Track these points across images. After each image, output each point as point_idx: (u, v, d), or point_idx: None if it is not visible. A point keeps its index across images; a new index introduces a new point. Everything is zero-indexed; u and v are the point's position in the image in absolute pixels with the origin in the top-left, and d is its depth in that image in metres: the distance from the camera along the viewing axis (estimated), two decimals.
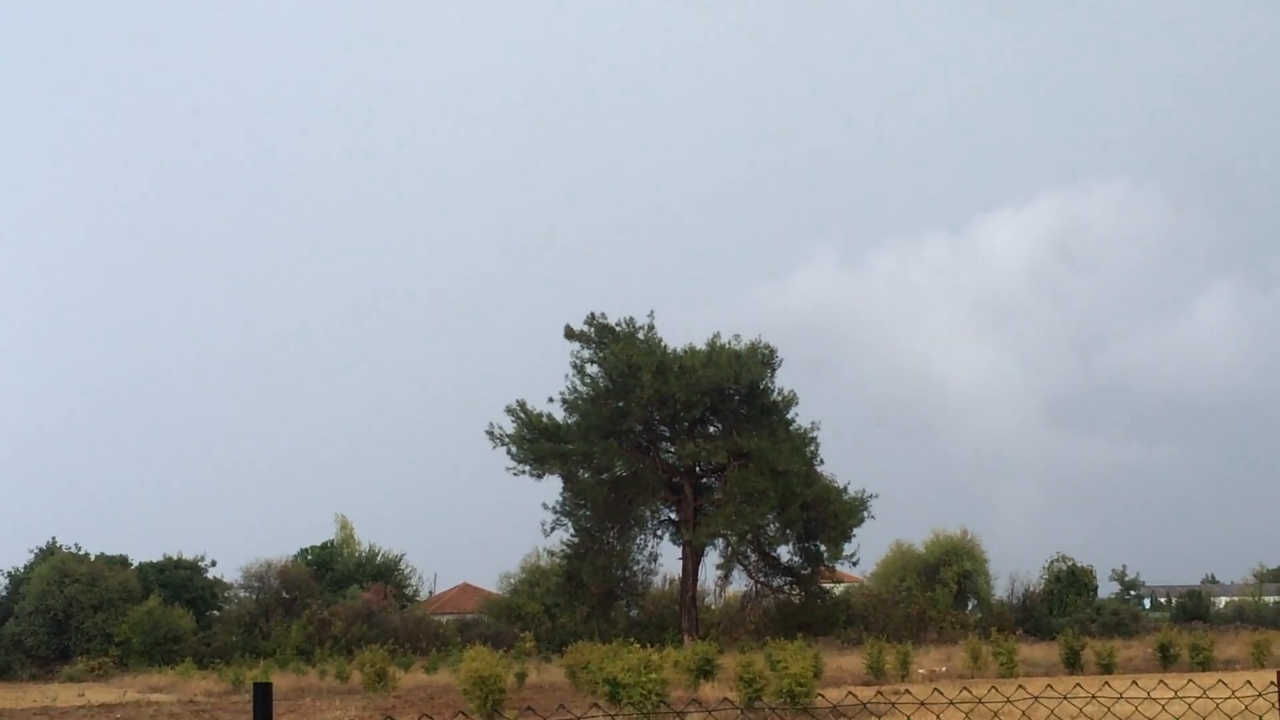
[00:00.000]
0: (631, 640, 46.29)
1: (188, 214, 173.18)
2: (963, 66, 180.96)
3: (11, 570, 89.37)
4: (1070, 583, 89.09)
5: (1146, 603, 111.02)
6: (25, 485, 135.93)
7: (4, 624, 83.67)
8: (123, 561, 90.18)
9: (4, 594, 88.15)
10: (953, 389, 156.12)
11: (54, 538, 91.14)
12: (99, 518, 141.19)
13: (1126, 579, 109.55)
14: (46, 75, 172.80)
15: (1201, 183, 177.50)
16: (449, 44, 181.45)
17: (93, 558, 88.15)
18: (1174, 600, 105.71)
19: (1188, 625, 76.88)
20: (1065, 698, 9.31)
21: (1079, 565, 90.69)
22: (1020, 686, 10.29)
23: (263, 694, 5.79)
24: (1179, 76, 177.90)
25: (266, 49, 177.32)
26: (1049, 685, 12.12)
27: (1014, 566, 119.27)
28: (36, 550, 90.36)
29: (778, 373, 75.89)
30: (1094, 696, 9.13)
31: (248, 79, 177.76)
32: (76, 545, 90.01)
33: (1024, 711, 10.33)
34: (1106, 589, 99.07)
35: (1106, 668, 46.82)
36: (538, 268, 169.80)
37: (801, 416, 76.31)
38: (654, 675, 31.84)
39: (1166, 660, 50.01)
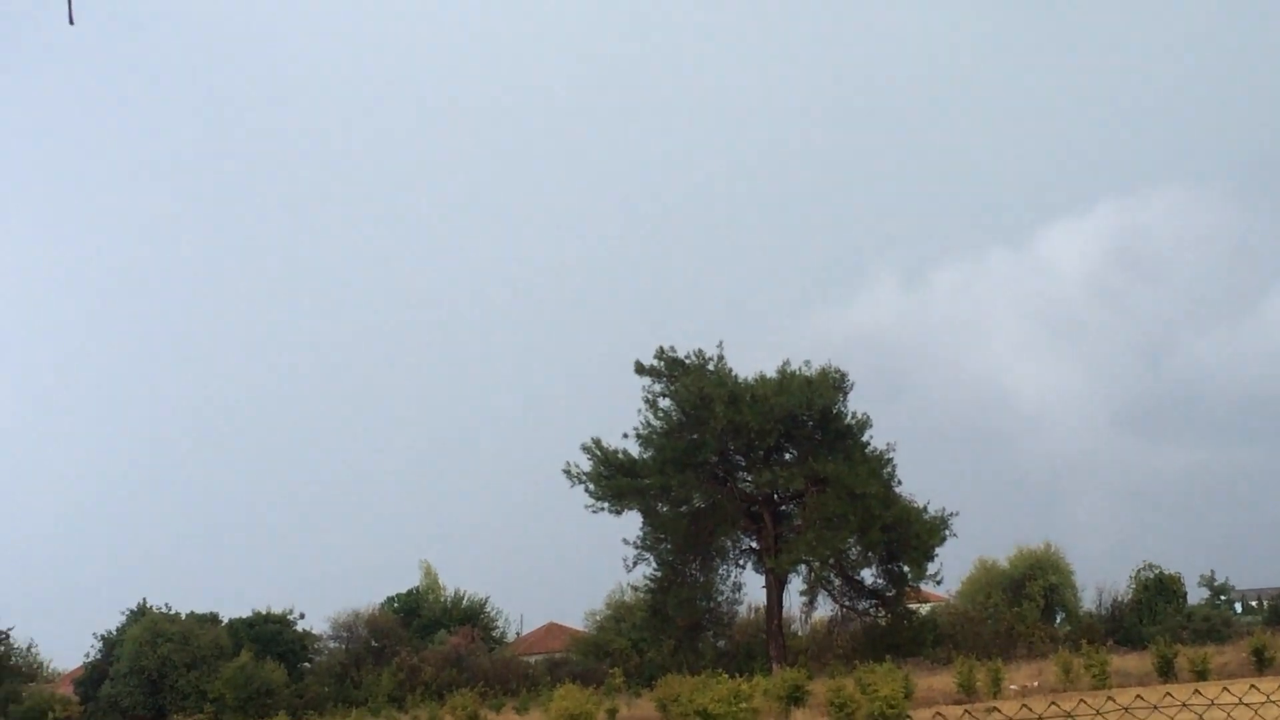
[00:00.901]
0: (720, 671, 46.45)
1: (286, 266, 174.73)
2: (1016, 76, 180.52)
3: (105, 634, 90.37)
4: (1159, 591, 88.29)
5: (1238, 607, 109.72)
6: (114, 547, 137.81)
7: (100, 687, 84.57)
8: (213, 619, 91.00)
9: (99, 657, 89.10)
10: (1022, 402, 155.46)
11: (144, 599, 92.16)
12: (188, 577, 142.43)
13: (1216, 584, 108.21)
14: (57, 76, 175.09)
15: (1264, 183, 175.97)
16: (510, 83, 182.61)
17: (183, 616, 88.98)
18: (1266, 603, 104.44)
19: None
20: (1156, 707, 9.46)
21: (1166, 573, 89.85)
22: (1110, 699, 10.43)
23: None
24: (1234, 76, 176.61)
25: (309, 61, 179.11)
26: (1139, 695, 12.21)
27: (1100, 577, 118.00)
28: (128, 612, 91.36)
29: (849, 396, 75.87)
30: (1185, 705, 9.28)
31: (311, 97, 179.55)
32: (167, 605, 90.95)
33: None
34: (1196, 595, 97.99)
35: (1200, 674, 46.49)
36: (605, 303, 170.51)
37: (876, 438, 76.26)
38: (744, 705, 32.00)
39: (1261, 664, 49.60)
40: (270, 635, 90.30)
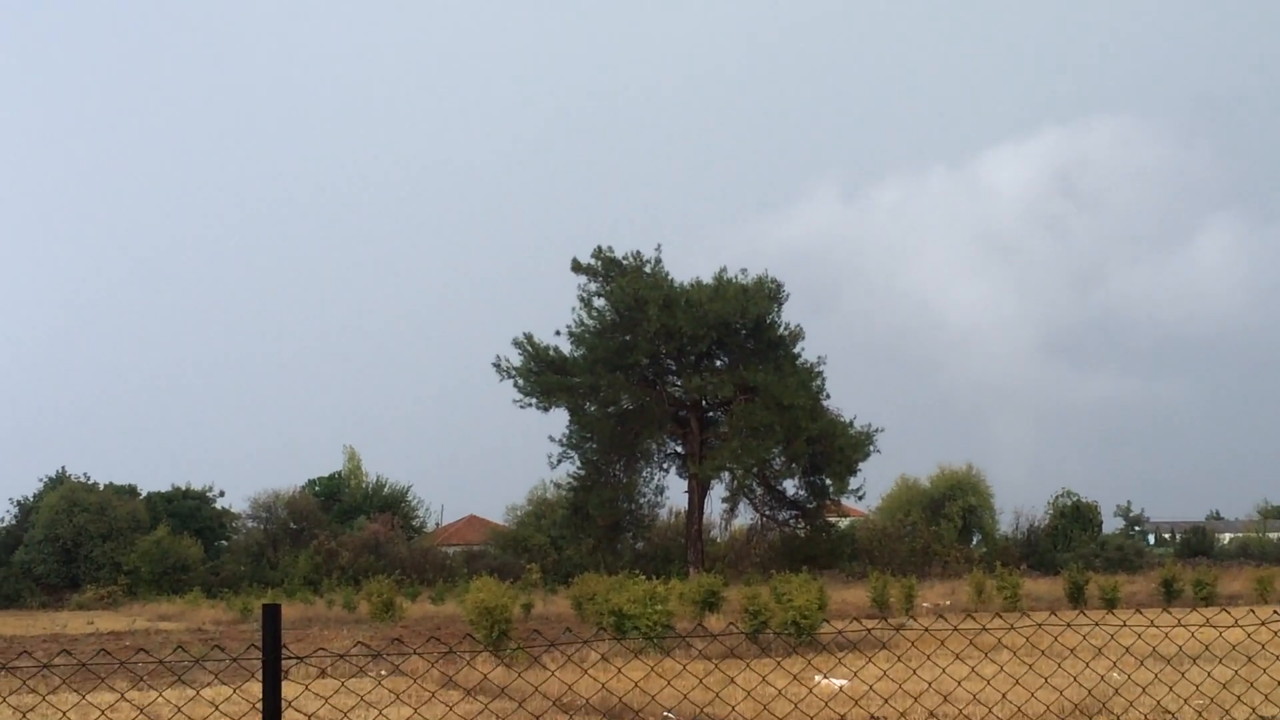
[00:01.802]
0: (637, 572, 46.48)
1: (199, 135, 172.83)
2: None
3: (21, 499, 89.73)
4: (1075, 518, 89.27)
5: (1151, 539, 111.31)
6: (34, 414, 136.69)
7: (14, 552, 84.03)
8: (131, 491, 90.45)
9: (14, 523, 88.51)
10: (953, 323, 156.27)
11: (63, 467, 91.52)
12: (107, 447, 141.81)
13: (1131, 515, 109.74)
14: (50, 74, 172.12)
15: (1205, 119, 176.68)
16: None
17: (101, 487, 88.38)
18: (1178, 536, 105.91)
19: (1192, 561, 77.15)
20: (1069, 625, 9.36)
21: (1084, 501, 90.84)
22: (1025, 615, 10.34)
23: (271, 616, 5.83)
24: (1183, 11, 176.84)
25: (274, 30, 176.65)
26: (1052, 613, 12.16)
27: (1019, 502, 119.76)
28: (46, 479, 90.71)
29: (783, 308, 75.94)
30: (1097, 624, 9.18)
31: (245, 48, 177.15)
32: (85, 475, 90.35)
33: (1028, 640, 10.40)
34: (1111, 525, 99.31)
35: (1110, 602, 46.96)
36: (543, 200, 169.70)
37: (807, 351, 76.51)
38: (660, 607, 31.96)
39: (1170, 595, 50.19)
40: (188, 511, 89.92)
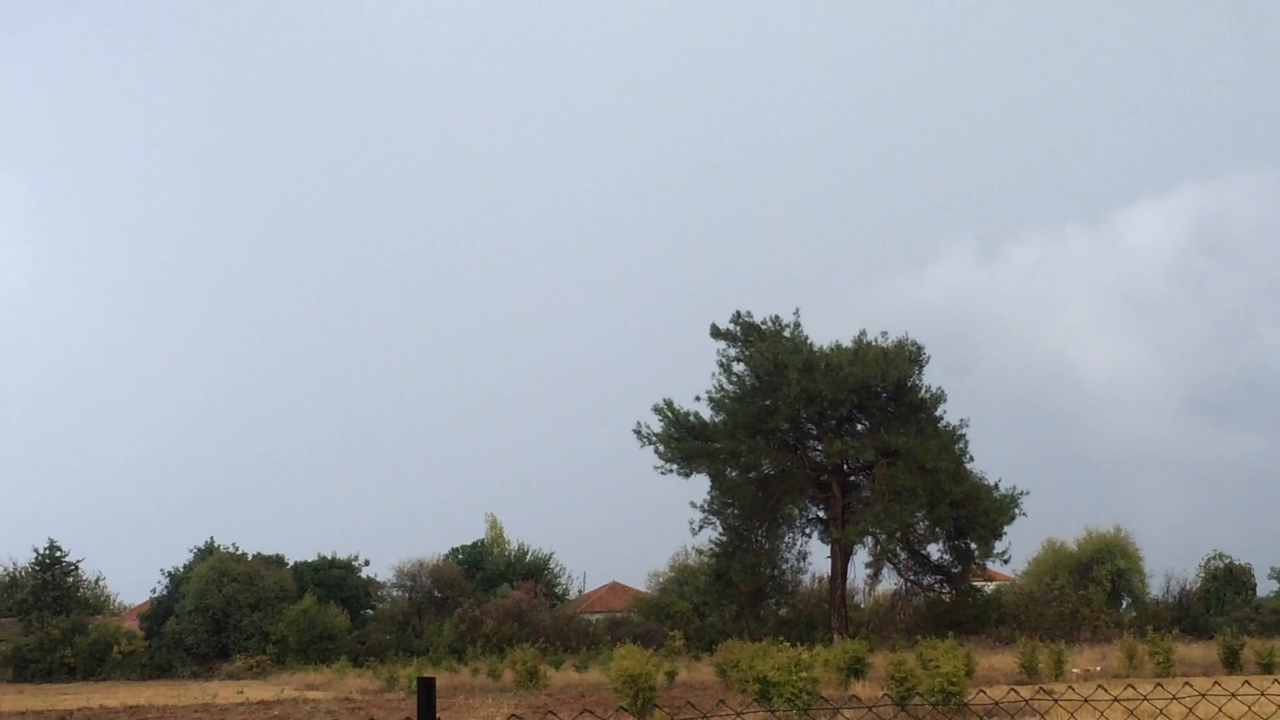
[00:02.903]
0: (781, 639, 46.23)
1: (337, 208, 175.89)
2: (1101, 56, 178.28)
3: (172, 570, 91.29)
4: (1228, 580, 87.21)
5: None
6: (184, 486, 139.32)
7: (165, 623, 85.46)
8: (279, 561, 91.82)
9: (165, 593, 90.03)
10: (1093, 382, 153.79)
11: (212, 537, 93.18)
12: (255, 518, 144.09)
13: None
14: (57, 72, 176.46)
15: None
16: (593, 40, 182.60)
17: (250, 557, 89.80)
18: None
19: None
20: (1234, 695, 9.14)
21: (1236, 563, 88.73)
22: (1187, 684, 10.10)
23: (426, 689, 5.85)
24: None
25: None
26: (1216, 683, 11.86)
27: (1169, 564, 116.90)
28: (195, 550, 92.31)
29: (924, 370, 75.42)
30: (1263, 694, 8.95)
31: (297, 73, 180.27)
32: (234, 545, 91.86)
33: (1190, 709, 10.16)
34: (1265, 587, 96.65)
35: (1267, 668, 45.77)
36: (683, 266, 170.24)
37: (949, 413, 75.82)
38: (804, 674, 31.70)
39: None
40: (335, 580, 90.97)
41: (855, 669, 42.76)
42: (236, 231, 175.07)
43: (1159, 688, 9.77)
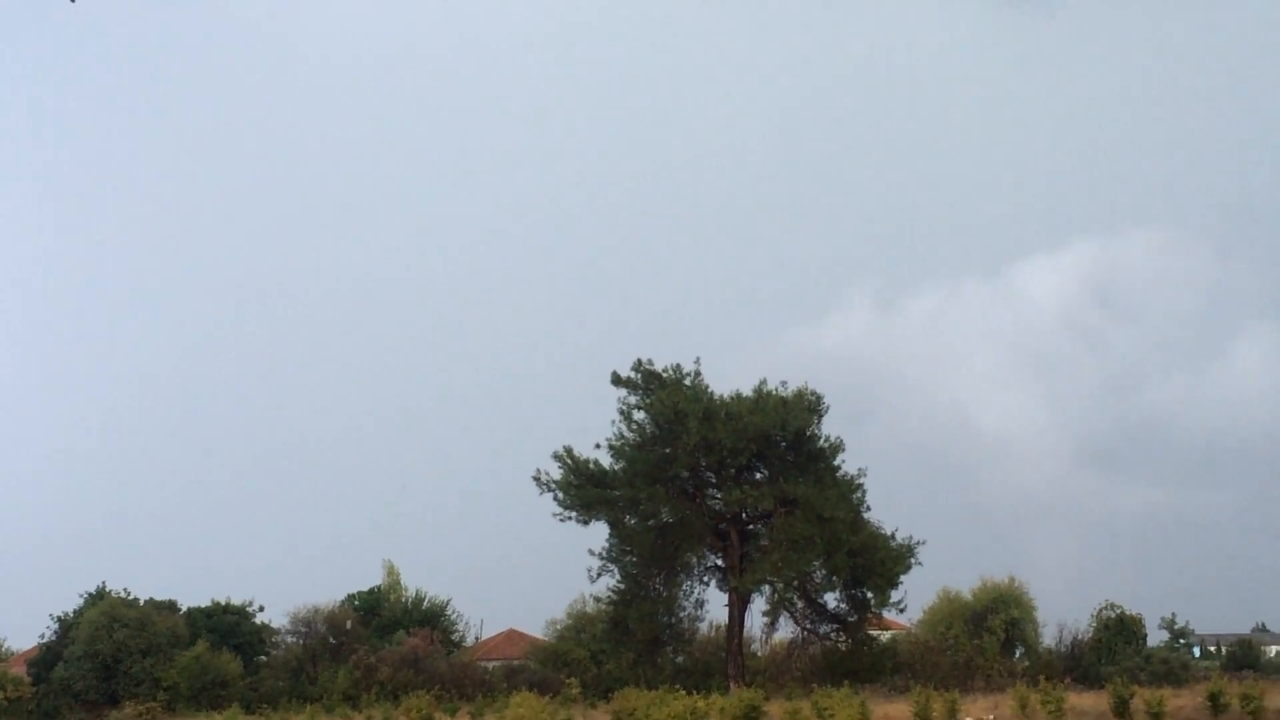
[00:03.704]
0: (678, 687, 46.38)
1: (240, 263, 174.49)
2: (996, 110, 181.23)
3: (61, 615, 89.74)
4: (1119, 631, 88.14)
5: (1196, 651, 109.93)
6: (73, 530, 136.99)
7: (53, 669, 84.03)
8: (171, 606, 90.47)
9: (54, 638, 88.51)
10: (990, 433, 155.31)
11: (103, 582, 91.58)
12: (147, 563, 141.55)
13: (1176, 627, 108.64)
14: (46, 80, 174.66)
15: (1240, 229, 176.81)
16: (488, 94, 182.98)
17: (142, 602, 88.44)
18: (1224, 649, 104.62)
19: (1238, 674, 76.02)
20: None
21: (1127, 613, 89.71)
22: None
23: None
24: (1216, 122, 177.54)
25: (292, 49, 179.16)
26: None
27: (1062, 614, 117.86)
28: (86, 595, 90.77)
29: (823, 419, 75.86)
30: None
31: (265, 81, 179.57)
32: (126, 590, 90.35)
33: None
34: (1155, 637, 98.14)
35: (1156, 717, 46.57)
36: (583, 313, 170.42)
37: (847, 463, 76.28)
38: None
39: (1216, 709, 49.67)
40: (228, 626, 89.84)
41: (751, 717, 43.01)
42: (111, 262, 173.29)
43: None
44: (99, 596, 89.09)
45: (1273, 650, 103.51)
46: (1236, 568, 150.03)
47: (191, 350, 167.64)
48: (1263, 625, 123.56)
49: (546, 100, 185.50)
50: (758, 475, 75.64)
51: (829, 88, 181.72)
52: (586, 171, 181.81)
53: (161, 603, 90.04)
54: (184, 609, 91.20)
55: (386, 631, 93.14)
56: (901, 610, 76.50)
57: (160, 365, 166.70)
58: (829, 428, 76.31)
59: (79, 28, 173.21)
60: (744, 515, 75.23)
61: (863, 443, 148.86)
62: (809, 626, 76.52)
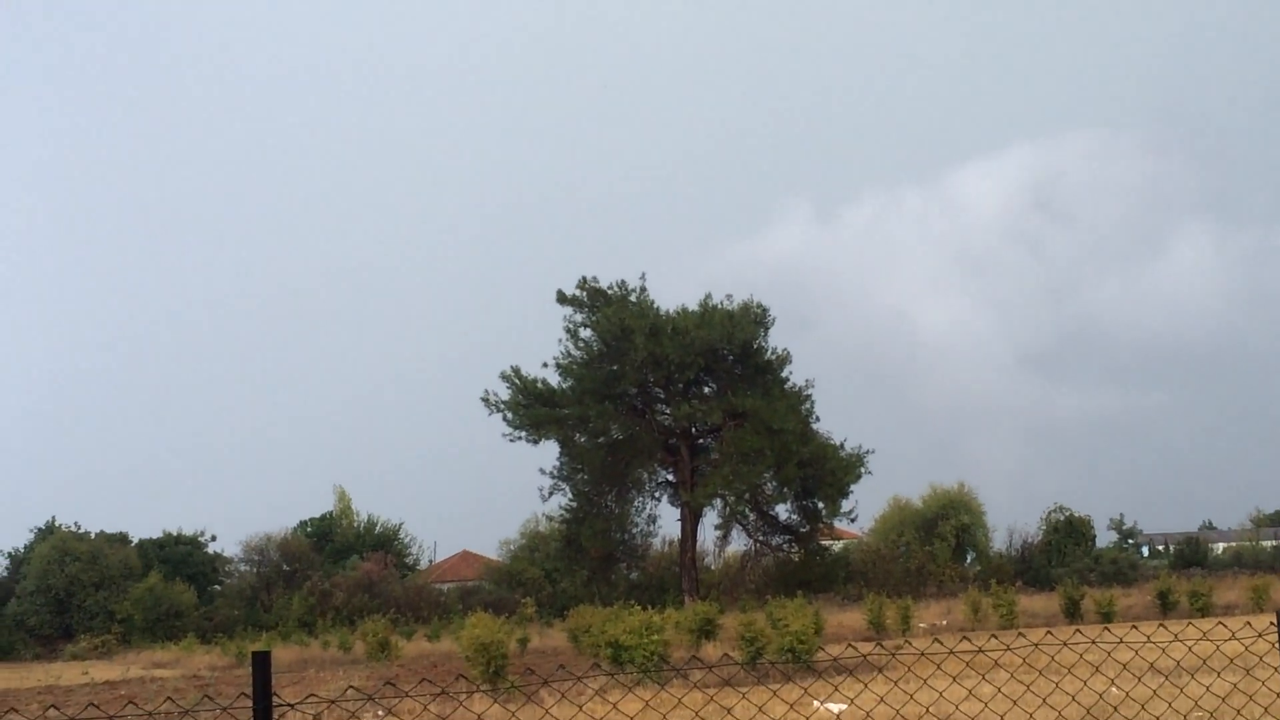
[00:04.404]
0: (632, 603, 46.38)
1: (175, 188, 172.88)
2: (932, 17, 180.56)
3: (12, 551, 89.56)
4: (1068, 533, 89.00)
5: (1145, 551, 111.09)
6: (23, 465, 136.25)
7: (6, 604, 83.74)
8: (123, 539, 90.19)
9: (5, 574, 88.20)
10: (933, 341, 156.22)
11: (53, 517, 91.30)
12: (97, 496, 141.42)
13: (1124, 528, 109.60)
14: (40, 66, 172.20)
15: (1176, 131, 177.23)
16: (438, 10, 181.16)
17: (93, 536, 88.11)
18: (1172, 548, 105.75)
19: (1186, 572, 77.01)
20: (1066, 644, 9.31)
21: (1076, 515, 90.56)
22: (1020, 634, 10.28)
23: (261, 663, 5.76)
24: (1150, 24, 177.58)
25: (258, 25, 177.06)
26: (1049, 632, 12.10)
27: (1011, 519, 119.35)
28: (36, 530, 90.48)
29: (769, 332, 75.89)
30: (1094, 642, 9.13)
31: (233, 52, 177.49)
32: (76, 524, 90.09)
33: (1024, 659, 10.34)
34: (1105, 538, 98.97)
35: (1106, 616, 46.92)
36: (525, 234, 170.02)
37: (794, 374, 76.47)
38: (656, 637, 31.85)
39: (1166, 607, 50.15)
40: (180, 557, 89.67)
41: (706, 630, 43.10)
42: (77, 203, 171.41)
43: (993, 638, 9.93)
44: (49, 531, 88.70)
45: (1219, 547, 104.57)
46: (1182, 468, 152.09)
47: (149, 288, 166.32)
48: (1209, 523, 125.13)
49: (490, 19, 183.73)
50: (706, 389, 75.69)
51: (761, 1, 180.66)
52: (524, 94, 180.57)
53: (113, 535, 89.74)
54: (135, 541, 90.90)
55: (340, 557, 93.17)
56: (853, 520, 77.01)
57: (109, 303, 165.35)
58: (774, 340, 76.43)
59: (77, 26, 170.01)
60: (693, 430, 75.32)
61: (806, 353, 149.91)
62: (761, 539, 76.88)
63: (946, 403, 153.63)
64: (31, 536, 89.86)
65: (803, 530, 76.44)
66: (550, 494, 76.35)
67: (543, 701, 23.21)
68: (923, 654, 8.64)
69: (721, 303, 74.78)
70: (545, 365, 75.57)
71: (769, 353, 75.55)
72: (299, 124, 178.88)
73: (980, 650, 8.46)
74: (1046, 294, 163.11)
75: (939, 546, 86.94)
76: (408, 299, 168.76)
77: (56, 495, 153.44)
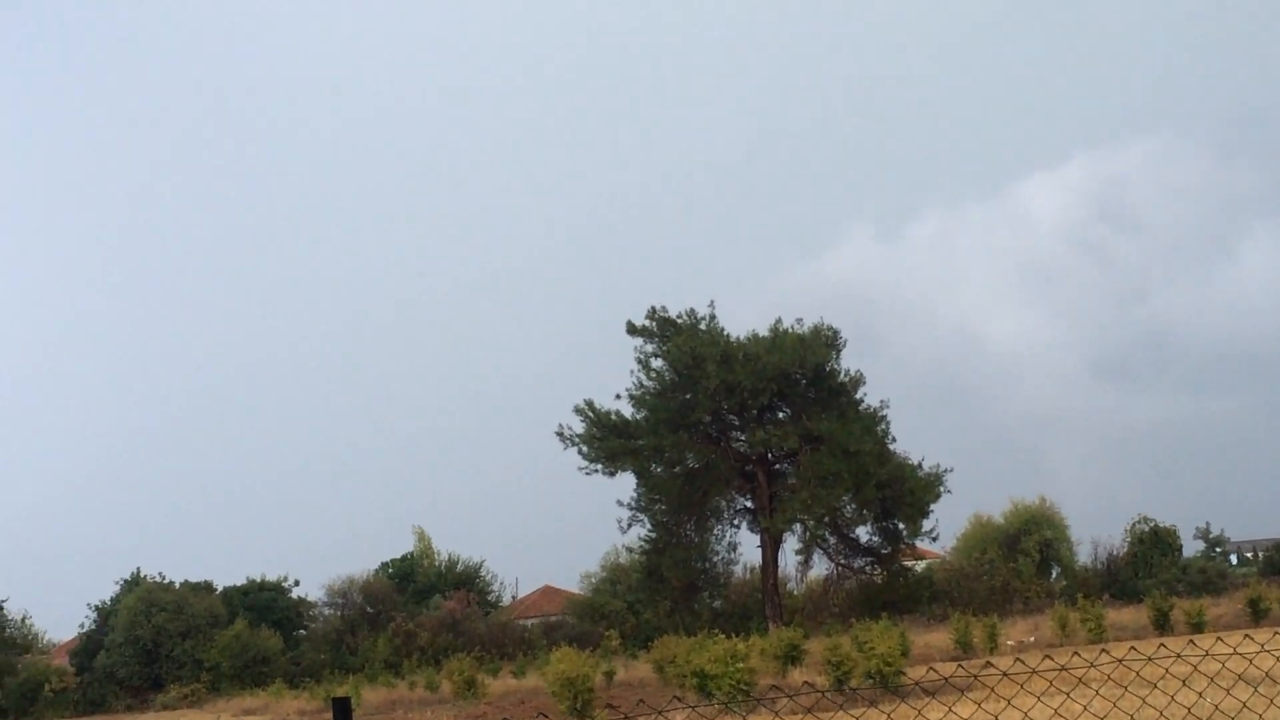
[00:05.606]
0: (716, 631, 46.27)
1: (248, 232, 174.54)
2: (989, 28, 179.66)
3: (99, 604, 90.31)
4: (1154, 544, 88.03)
5: (1233, 559, 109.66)
6: (106, 518, 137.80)
7: (95, 657, 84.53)
8: (207, 587, 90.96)
9: (94, 627, 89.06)
10: (1001, 354, 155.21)
11: (138, 568, 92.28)
12: (181, 546, 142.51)
13: (1211, 536, 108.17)
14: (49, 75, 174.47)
15: (1242, 133, 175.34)
16: (488, 37, 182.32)
17: (177, 585, 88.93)
18: (1260, 555, 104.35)
19: (1276, 579, 75.97)
20: (1150, 658, 9.21)
21: (1161, 526, 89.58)
22: (1104, 650, 10.17)
23: (341, 708, 5.80)
24: (1214, 25, 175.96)
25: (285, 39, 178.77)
26: (1132, 648, 11.99)
27: (1095, 531, 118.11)
28: (122, 582, 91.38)
29: (841, 353, 75.61)
30: (1179, 655, 9.03)
31: (267, 70, 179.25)
32: (161, 574, 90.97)
33: (1109, 675, 10.23)
34: (1191, 548, 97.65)
35: (1196, 627, 46.39)
36: (596, 265, 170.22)
37: (869, 395, 76.09)
38: (741, 665, 31.80)
39: (1257, 615, 49.51)
40: (265, 603, 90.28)
41: (792, 656, 42.93)
42: (143, 255, 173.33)
43: (1077, 655, 9.83)
44: (135, 583, 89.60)
45: None
46: (1264, 473, 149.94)
47: (221, 335, 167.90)
48: None
49: (546, 45, 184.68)
50: (780, 414, 75.43)
51: (816, 21, 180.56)
52: (587, 129, 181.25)
53: (197, 584, 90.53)
54: (220, 589, 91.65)
55: (422, 597, 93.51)
56: (934, 539, 76.37)
57: (188, 352, 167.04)
58: (846, 361, 76.16)
59: (78, 23, 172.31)
60: (769, 455, 75.07)
61: (877, 372, 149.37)
62: (843, 562, 76.43)
63: (1021, 416, 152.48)
64: (118, 589, 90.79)
65: (884, 552, 75.92)
66: (629, 525, 76.29)
67: None
68: (1005, 674, 8.57)
69: (792, 327, 74.59)
70: (618, 397, 75.59)
71: (842, 375, 75.21)
72: (364, 166, 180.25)
73: (1063, 668, 8.38)
74: (1115, 303, 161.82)
75: (1023, 562, 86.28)
76: (480, 334, 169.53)
77: (141, 546, 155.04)
